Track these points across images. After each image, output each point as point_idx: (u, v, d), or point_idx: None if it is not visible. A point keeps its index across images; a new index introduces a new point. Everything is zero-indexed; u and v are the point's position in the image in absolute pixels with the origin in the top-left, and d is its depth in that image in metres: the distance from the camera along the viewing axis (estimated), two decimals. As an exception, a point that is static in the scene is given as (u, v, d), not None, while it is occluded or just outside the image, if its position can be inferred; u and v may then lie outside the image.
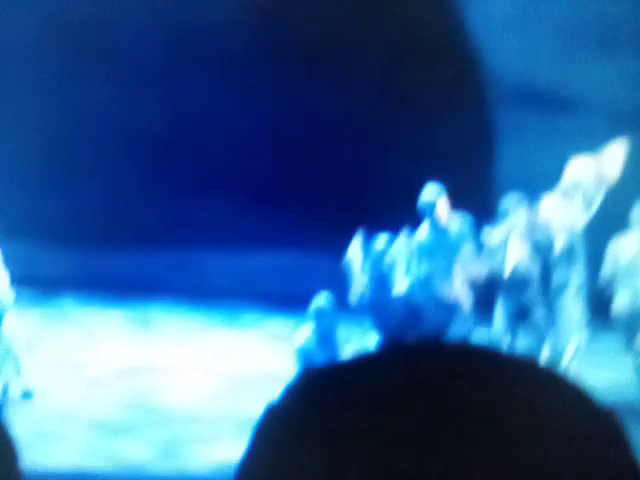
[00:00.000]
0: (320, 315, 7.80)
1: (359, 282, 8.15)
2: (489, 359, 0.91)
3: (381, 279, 8.14)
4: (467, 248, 8.26)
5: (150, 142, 10.95)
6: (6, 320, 8.28)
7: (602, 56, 10.47)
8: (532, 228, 8.26)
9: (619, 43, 10.44)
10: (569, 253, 8.32)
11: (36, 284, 9.61)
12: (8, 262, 8.33)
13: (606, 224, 8.18)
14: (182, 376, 8.81)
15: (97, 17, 10.75)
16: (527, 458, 0.86)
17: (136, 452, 7.59)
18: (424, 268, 8.22)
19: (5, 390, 8.27)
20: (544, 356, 8.17)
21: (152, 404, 8.35)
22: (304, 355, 7.65)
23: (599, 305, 8.41)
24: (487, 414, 0.86)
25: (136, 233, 10.70)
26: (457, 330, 8.08)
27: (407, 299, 8.13)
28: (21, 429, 5.92)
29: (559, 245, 8.30)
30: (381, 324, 8.02)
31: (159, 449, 7.65)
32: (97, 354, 9.18)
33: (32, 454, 6.40)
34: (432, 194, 8.30)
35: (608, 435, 0.89)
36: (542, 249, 8.30)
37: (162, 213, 10.85)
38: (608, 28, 10.46)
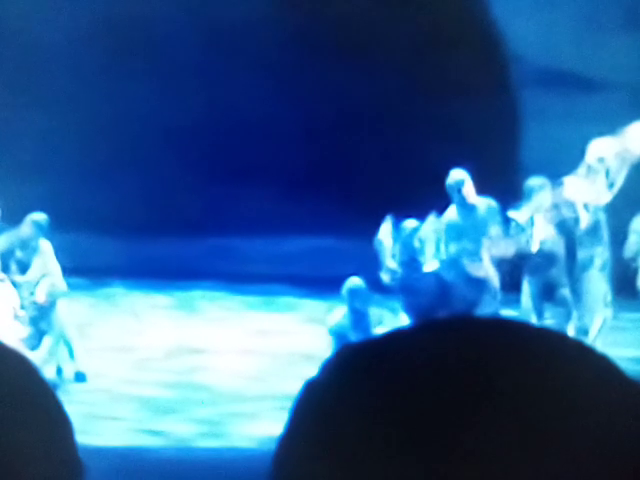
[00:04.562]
0: (352, 296, 7.77)
1: (389, 264, 8.12)
2: (521, 331, 0.88)
3: (411, 260, 8.10)
4: (494, 228, 8.20)
5: (189, 135, 10.97)
6: (59, 307, 8.33)
7: (623, 36, 10.30)
8: (556, 207, 8.17)
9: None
10: (593, 231, 8.22)
11: (86, 273, 9.66)
12: (59, 253, 8.37)
13: (629, 202, 8.07)
14: (224, 356, 8.82)
15: (136, 14, 10.77)
16: (560, 429, 0.83)
17: (183, 429, 7.62)
18: (453, 248, 8.18)
19: (59, 372, 8.32)
20: (570, 334, 8.08)
21: (197, 383, 8.37)
22: (338, 336, 7.63)
23: (623, 283, 8.30)
24: (521, 385, 0.84)
25: (178, 222, 10.73)
26: (485, 308, 8.03)
27: (437, 277, 8.08)
28: (74, 409, 5.94)
29: (583, 223, 8.21)
30: (412, 304, 7.98)
31: (204, 426, 7.67)
32: (145, 337, 9.22)
33: (85, 433, 6.43)
34: (459, 175, 8.26)
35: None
36: (567, 228, 8.21)
37: (202, 203, 10.87)
38: (629, 8, 10.28)
